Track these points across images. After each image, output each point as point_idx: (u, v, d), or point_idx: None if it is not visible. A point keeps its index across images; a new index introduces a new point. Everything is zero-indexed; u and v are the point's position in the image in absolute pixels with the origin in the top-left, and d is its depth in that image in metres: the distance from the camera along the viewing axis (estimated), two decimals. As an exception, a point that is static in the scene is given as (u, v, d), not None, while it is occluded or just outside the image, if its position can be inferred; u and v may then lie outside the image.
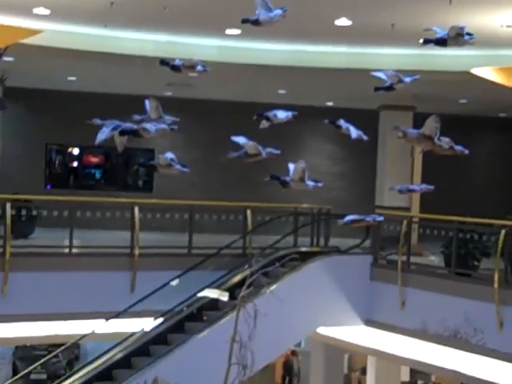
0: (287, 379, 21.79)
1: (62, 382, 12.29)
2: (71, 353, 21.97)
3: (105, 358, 12.43)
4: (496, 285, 11.44)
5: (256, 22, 8.80)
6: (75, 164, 23.63)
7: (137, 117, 9.91)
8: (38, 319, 11.96)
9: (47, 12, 14.11)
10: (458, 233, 12.92)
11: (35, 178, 22.32)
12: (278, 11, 8.74)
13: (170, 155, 10.39)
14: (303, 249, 14.04)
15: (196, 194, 19.22)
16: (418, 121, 11.28)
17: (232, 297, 12.06)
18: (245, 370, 11.04)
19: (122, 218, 13.52)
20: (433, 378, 21.34)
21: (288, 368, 21.63)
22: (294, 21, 10.30)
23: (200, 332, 12.10)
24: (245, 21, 8.86)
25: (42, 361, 14.20)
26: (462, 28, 9.12)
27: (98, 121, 9.84)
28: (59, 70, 18.49)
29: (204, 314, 12.95)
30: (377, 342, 13.57)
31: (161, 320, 12.66)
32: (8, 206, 12.13)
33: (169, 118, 10.00)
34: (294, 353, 20.98)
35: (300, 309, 12.78)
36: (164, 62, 9.97)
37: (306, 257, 13.48)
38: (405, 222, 13.53)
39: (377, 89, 10.15)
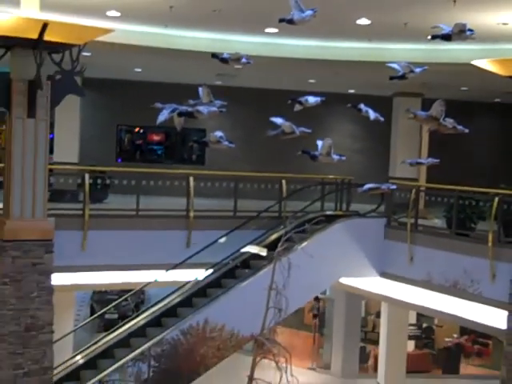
0: (315, 320, 21.79)
1: (130, 321, 12.48)
2: (138, 297, 22.09)
3: (164, 302, 12.57)
4: (490, 243, 11.33)
5: (291, 22, 8.72)
6: (141, 141, 23.69)
7: (191, 101, 9.91)
8: (111, 269, 12.04)
9: (118, 14, 14.14)
10: (458, 200, 12.77)
11: (108, 153, 22.46)
12: (310, 12, 8.65)
13: (219, 133, 10.38)
14: (328, 212, 13.96)
15: (240, 166, 19.15)
16: (426, 105, 11.11)
17: (270, 252, 12.10)
18: (280, 313, 11.06)
19: (180, 186, 13.50)
20: (435, 321, 21.24)
21: (314, 312, 21.63)
22: (322, 20, 10.15)
23: (243, 281, 12.14)
24: (281, 20, 8.79)
25: (114, 303, 14.30)
26: (464, 25, 8.98)
27: (159, 105, 9.86)
28: (127, 63, 18.50)
29: (247, 265, 12.99)
30: (389, 290, 13.50)
31: (211, 271, 12.72)
32: (87, 176, 12.19)
33: (218, 102, 9.98)
34: (317, 299, 20.92)
35: (326, 262, 12.74)
36: (215, 55, 9.95)
37: (330, 219, 13.42)
38: (413, 191, 13.42)
39: (391, 78, 10.04)
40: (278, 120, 9.99)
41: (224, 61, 9.88)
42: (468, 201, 12.93)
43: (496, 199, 11.65)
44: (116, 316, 20.63)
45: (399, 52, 15.73)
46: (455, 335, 21.10)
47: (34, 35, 8.55)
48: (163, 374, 11.08)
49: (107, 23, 14.15)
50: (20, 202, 9.22)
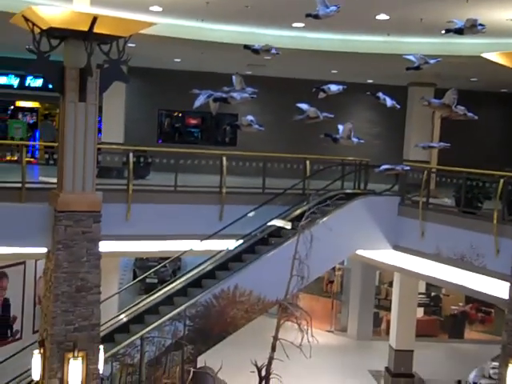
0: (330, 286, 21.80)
1: (168, 285, 12.61)
2: (175, 264, 22.32)
3: (199, 269, 12.67)
4: (495, 221, 11.20)
5: (316, 17, 8.67)
6: (179, 124, 23.69)
7: (225, 88, 9.90)
8: (152, 239, 12.09)
9: (160, 9, 14.11)
10: (466, 181, 12.64)
11: (150, 134, 22.50)
12: (334, 8, 8.59)
13: (249, 117, 10.38)
14: (348, 191, 13.87)
15: (269, 148, 19.08)
16: (438, 94, 10.96)
17: (294, 225, 12.11)
18: (302, 280, 11.12)
19: (214, 165, 13.53)
20: (443, 291, 21.14)
21: (331, 279, 21.64)
22: (344, 16, 10.05)
23: (269, 251, 12.17)
24: (307, 15, 8.73)
25: (154, 269, 14.51)
26: (475, 20, 8.84)
27: (196, 91, 9.87)
28: (167, 54, 18.48)
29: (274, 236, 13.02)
30: (401, 262, 13.43)
31: (241, 241, 12.76)
32: (131, 155, 12.24)
33: (249, 89, 9.97)
34: (334, 268, 20.88)
35: (344, 236, 12.71)
36: (247, 46, 9.91)
37: (349, 197, 13.34)
38: (425, 172, 13.29)
39: (408, 69, 9.93)
40: (304, 106, 9.97)
41: (255, 52, 9.85)
42: (475, 182, 12.79)
43: (501, 181, 11.51)
44: (156, 280, 20.74)
45: (415, 45, 15.51)
46: (461, 304, 21.03)
47: (85, 28, 8.61)
48: (197, 333, 11.19)
49: (150, 17, 14.13)
50: (72, 177, 9.32)
